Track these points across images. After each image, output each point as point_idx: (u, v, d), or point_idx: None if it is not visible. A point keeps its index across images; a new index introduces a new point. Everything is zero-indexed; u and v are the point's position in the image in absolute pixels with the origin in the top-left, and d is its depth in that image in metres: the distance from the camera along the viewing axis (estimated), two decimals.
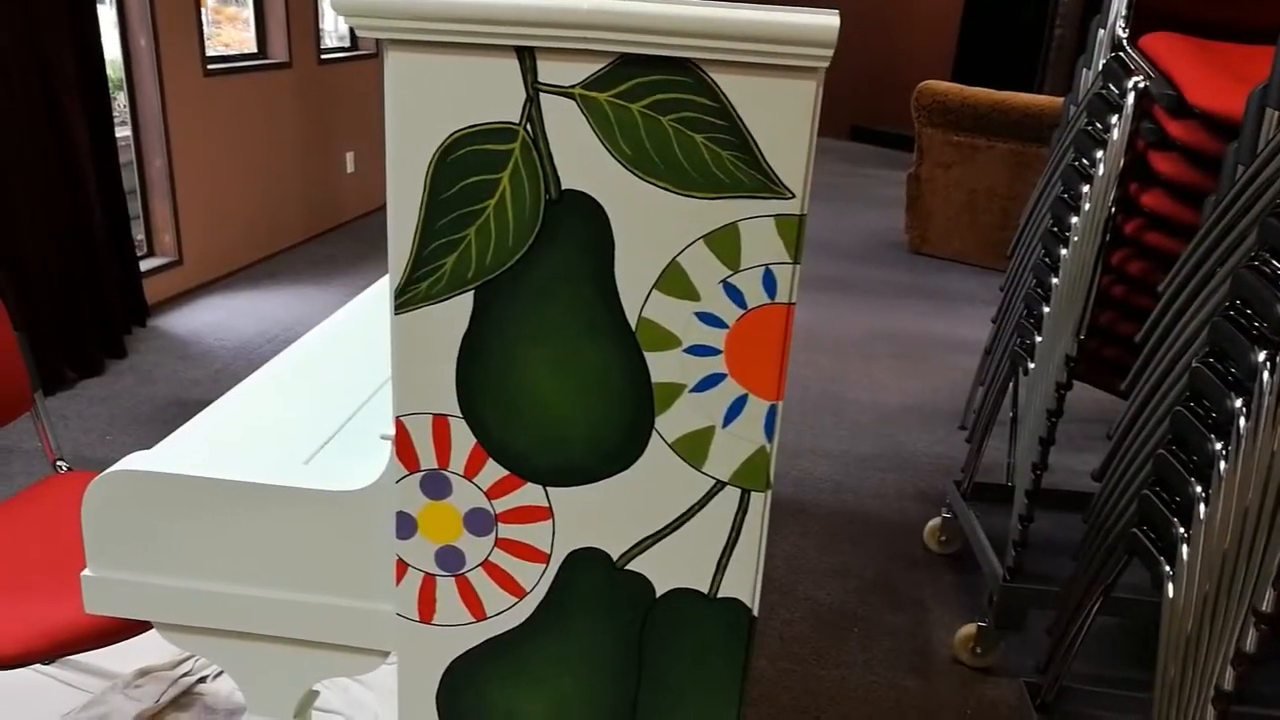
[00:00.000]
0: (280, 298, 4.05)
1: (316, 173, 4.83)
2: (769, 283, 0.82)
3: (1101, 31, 1.97)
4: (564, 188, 0.81)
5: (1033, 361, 2.06)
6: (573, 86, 0.78)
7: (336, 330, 1.34)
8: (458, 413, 0.88)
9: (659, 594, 0.92)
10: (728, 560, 0.90)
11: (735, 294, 0.83)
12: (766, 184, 0.80)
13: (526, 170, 0.81)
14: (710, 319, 0.84)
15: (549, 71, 0.78)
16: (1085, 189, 1.88)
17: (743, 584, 0.91)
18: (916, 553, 2.56)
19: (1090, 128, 1.89)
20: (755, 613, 0.92)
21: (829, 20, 0.74)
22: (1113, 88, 1.83)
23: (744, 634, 0.92)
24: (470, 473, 0.90)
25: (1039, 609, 2.09)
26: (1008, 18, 7.54)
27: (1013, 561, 2.05)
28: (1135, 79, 1.74)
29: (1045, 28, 6.86)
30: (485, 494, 0.90)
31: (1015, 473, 2.15)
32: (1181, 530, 1.32)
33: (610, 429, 0.87)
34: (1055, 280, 1.97)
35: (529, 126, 0.80)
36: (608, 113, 0.79)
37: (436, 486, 0.90)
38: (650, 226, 0.81)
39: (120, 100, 3.76)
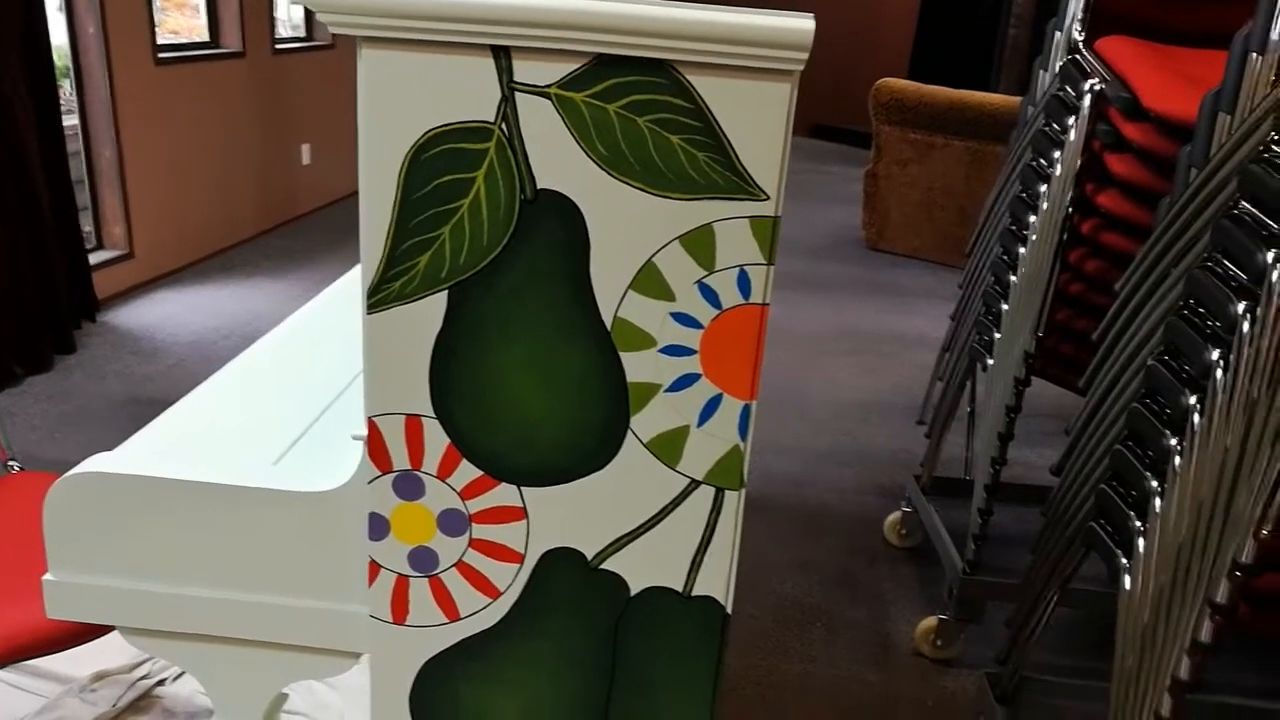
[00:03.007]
0: (236, 292, 3.99)
1: (272, 165, 4.76)
2: (743, 283, 0.83)
3: (1058, 34, 2.00)
4: (539, 187, 0.81)
5: (991, 358, 2.09)
6: (549, 86, 0.78)
7: (302, 327, 1.32)
8: (431, 413, 0.87)
9: (634, 593, 0.93)
10: (702, 559, 0.91)
11: (710, 294, 0.83)
12: (741, 185, 0.80)
13: (501, 170, 0.80)
14: (685, 319, 0.84)
15: (525, 71, 0.78)
16: (1043, 188, 1.91)
17: (716, 582, 0.92)
18: (877, 547, 2.59)
19: (1048, 128, 1.93)
20: (729, 610, 0.93)
21: (805, 24, 0.74)
22: (1069, 90, 1.86)
23: (718, 632, 0.93)
24: (444, 473, 0.89)
25: (998, 601, 2.13)
26: (963, 17, 7.64)
27: (972, 555, 2.08)
28: (1091, 81, 1.77)
29: (999, 27, 6.96)
30: (459, 494, 0.90)
31: (974, 467, 2.18)
32: (1138, 524, 1.36)
33: (585, 429, 0.87)
34: (1014, 278, 2.00)
35: (504, 126, 0.79)
36: (584, 113, 0.79)
37: (409, 487, 0.90)
38: (626, 227, 0.81)
39: (67, 88, 3.67)
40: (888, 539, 2.60)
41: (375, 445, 0.88)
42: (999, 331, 2.06)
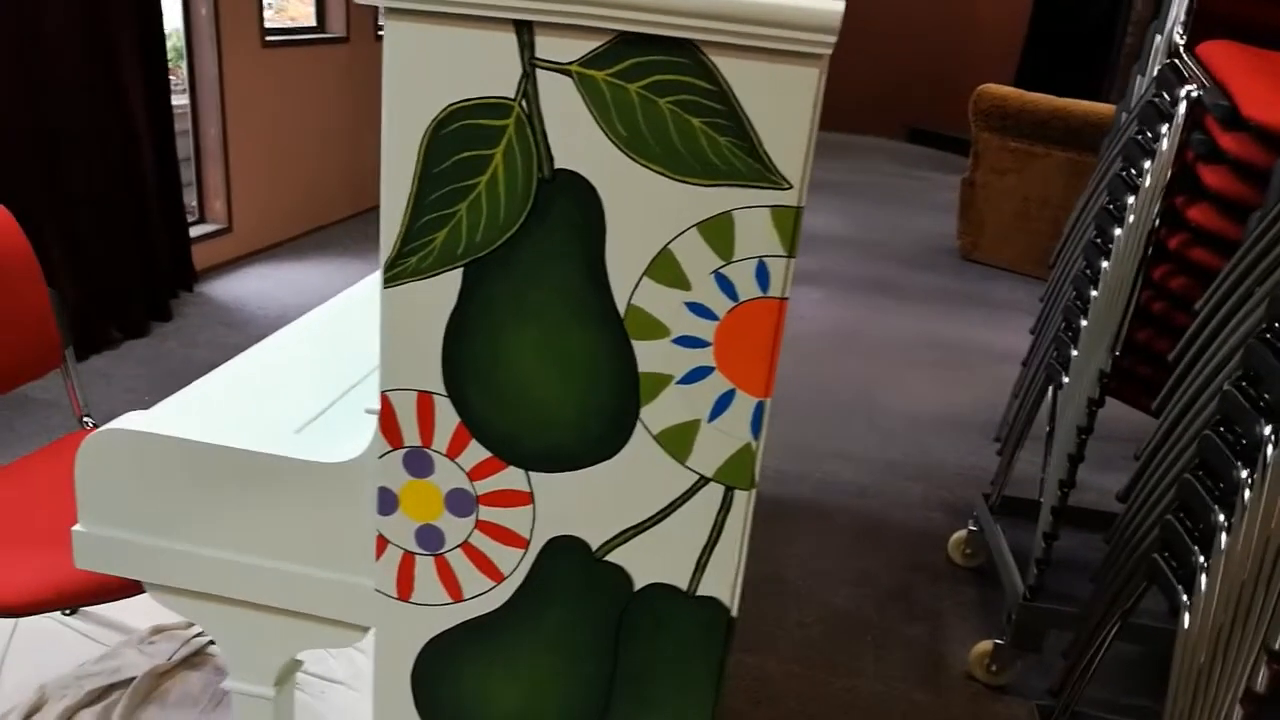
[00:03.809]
0: (324, 270, 4.10)
1: (367, 149, 4.87)
2: (761, 275, 0.80)
3: (1159, 37, 1.90)
4: (557, 167, 0.79)
5: (1067, 376, 2.00)
6: (570, 63, 0.77)
7: (348, 303, 1.34)
8: (442, 391, 0.87)
9: (637, 587, 0.91)
10: (708, 558, 0.88)
11: (727, 285, 0.81)
12: (763, 173, 0.77)
13: (520, 147, 0.79)
14: (700, 310, 0.82)
15: (546, 47, 0.76)
16: (1130, 200, 1.82)
17: (722, 583, 0.89)
18: (939, 564, 2.51)
19: (1140, 137, 1.83)
20: (734, 613, 0.90)
21: (833, 5, 0.71)
22: (1165, 96, 1.76)
23: (721, 634, 0.90)
24: (453, 452, 0.89)
25: (1059, 630, 2.03)
26: (1077, 22, 7.35)
27: (1034, 580, 1.99)
28: (1188, 87, 1.67)
29: (1115, 34, 6.68)
30: (467, 475, 0.89)
31: (1043, 489, 2.09)
32: (1201, 559, 1.27)
33: (594, 416, 0.86)
34: (1094, 293, 1.91)
35: (524, 102, 0.78)
36: (604, 92, 0.77)
37: (419, 464, 0.90)
38: (643, 211, 0.79)
39: (182, 70, 3.82)
40: (951, 557, 2.52)
41: (387, 420, 0.89)
42: (1076, 349, 1.97)
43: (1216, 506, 1.26)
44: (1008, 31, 8.02)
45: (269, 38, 3.98)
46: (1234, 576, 1.18)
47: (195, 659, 1.93)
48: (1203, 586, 1.25)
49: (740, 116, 0.76)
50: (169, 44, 3.44)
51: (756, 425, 0.84)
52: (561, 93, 0.77)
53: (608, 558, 0.90)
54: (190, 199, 3.85)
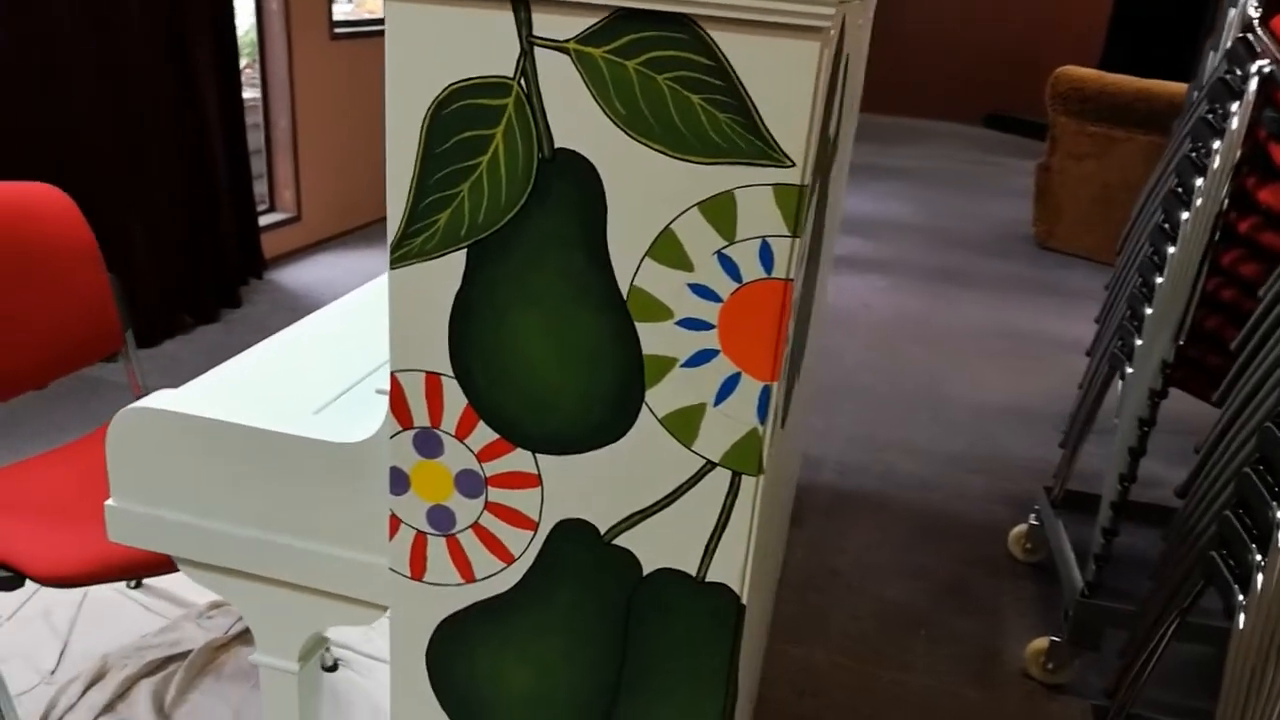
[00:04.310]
0: None
1: None
2: (765, 256, 0.78)
3: (1233, 11, 1.81)
4: (557, 146, 0.79)
5: (1131, 366, 1.93)
6: (567, 40, 0.76)
7: (380, 288, 1.36)
8: (450, 372, 0.87)
9: (646, 572, 0.90)
10: (716, 544, 0.87)
11: (730, 266, 0.79)
12: (765, 151, 0.75)
13: (520, 126, 0.79)
14: (703, 291, 0.80)
15: (544, 24, 0.76)
16: (1198, 182, 1.73)
17: (731, 570, 0.87)
18: (999, 559, 2.44)
19: (1210, 115, 1.74)
20: (744, 600, 0.88)
21: None
22: (1237, 72, 1.67)
23: (731, 621, 0.89)
24: (461, 433, 0.89)
25: (1118, 628, 1.96)
26: (1164, 2, 7.06)
27: (1093, 576, 1.93)
28: (1260, 62, 1.59)
29: (1208, 13, 6.38)
30: (476, 456, 0.89)
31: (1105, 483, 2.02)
32: (1258, 557, 1.21)
33: (599, 399, 0.85)
34: (1160, 280, 1.83)
35: (523, 81, 0.77)
36: (602, 69, 0.76)
37: (429, 445, 0.90)
38: (644, 190, 0.78)
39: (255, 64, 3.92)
40: (1011, 552, 2.45)
41: (397, 400, 0.89)
42: (1140, 338, 1.89)
43: (1275, 503, 1.20)
44: (1092, 12, 7.74)
45: (337, 30, 4.05)
46: None
47: (249, 634, 1.99)
48: (1258, 585, 1.19)
49: (740, 93, 0.74)
50: (241, 38, 3.53)
51: (763, 410, 0.82)
52: (560, 71, 0.77)
53: (616, 541, 0.89)
54: (261, 189, 3.96)
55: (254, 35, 3.82)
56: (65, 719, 1.71)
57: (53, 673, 1.81)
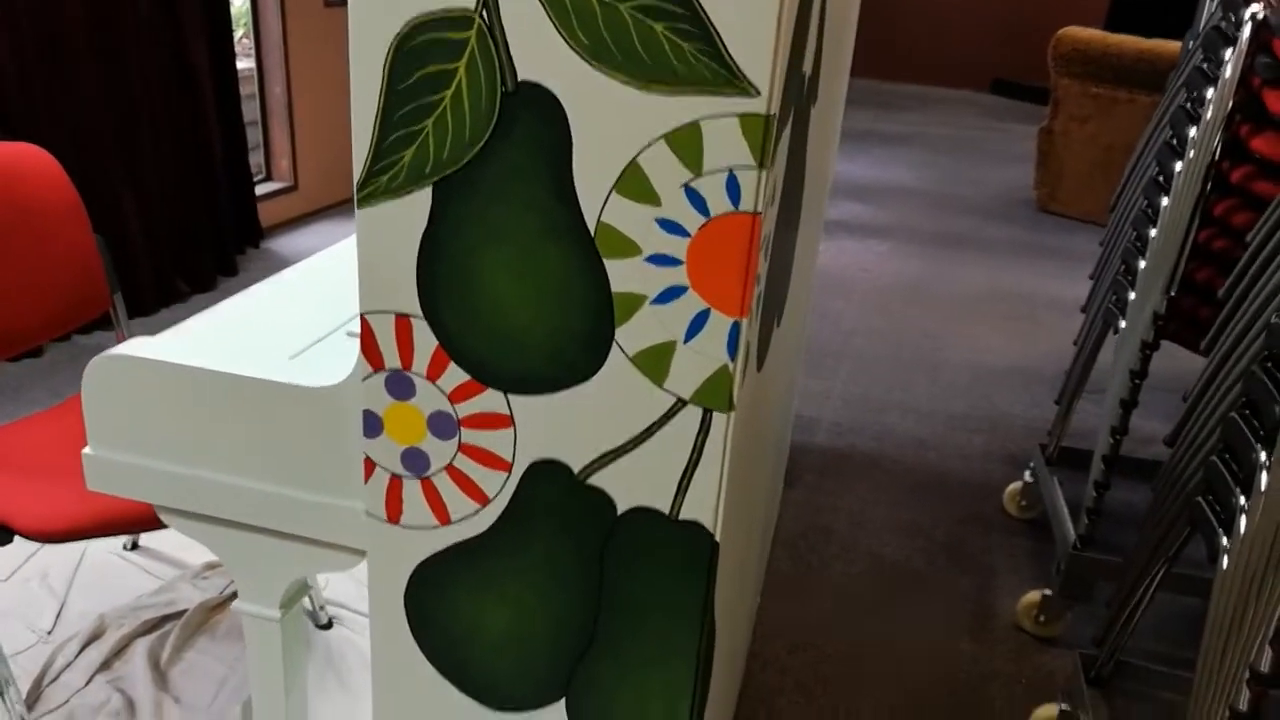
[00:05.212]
0: None
1: None
2: (732, 189, 0.77)
3: None
4: (520, 79, 0.78)
5: (1124, 320, 1.92)
6: None
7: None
8: (419, 313, 0.87)
9: (620, 511, 0.90)
10: (688, 482, 0.87)
11: (697, 199, 0.78)
12: (730, 80, 0.74)
13: (483, 60, 0.78)
14: (671, 226, 0.80)
15: None
16: (1192, 133, 1.71)
17: (704, 507, 0.87)
18: (994, 516, 2.44)
19: (1204, 65, 1.72)
20: (718, 538, 0.88)
21: None
22: (1231, 18, 1.65)
23: (705, 558, 0.89)
24: (433, 375, 0.89)
25: (1109, 581, 1.97)
26: None
27: (1085, 530, 1.93)
28: (1254, 8, 1.56)
29: None
30: (448, 397, 0.89)
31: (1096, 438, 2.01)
32: (1242, 500, 1.21)
33: (569, 338, 0.85)
34: (1153, 232, 1.82)
35: (484, 13, 0.76)
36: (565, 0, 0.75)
37: (400, 387, 0.90)
38: (609, 123, 0.77)
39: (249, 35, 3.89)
40: (1006, 509, 2.45)
41: (368, 343, 0.89)
42: (1134, 292, 1.88)
43: (1260, 446, 1.19)
44: None
45: None
46: (1272, 517, 1.12)
47: None
48: (1242, 528, 1.19)
49: (704, 20, 0.73)
50: (235, 9, 3.50)
51: (733, 346, 0.82)
52: (522, 2, 0.76)
53: (590, 481, 0.89)
54: (258, 159, 3.94)
55: (248, 5, 3.79)
56: (62, 677, 1.72)
57: (49, 633, 1.83)
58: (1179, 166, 1.75)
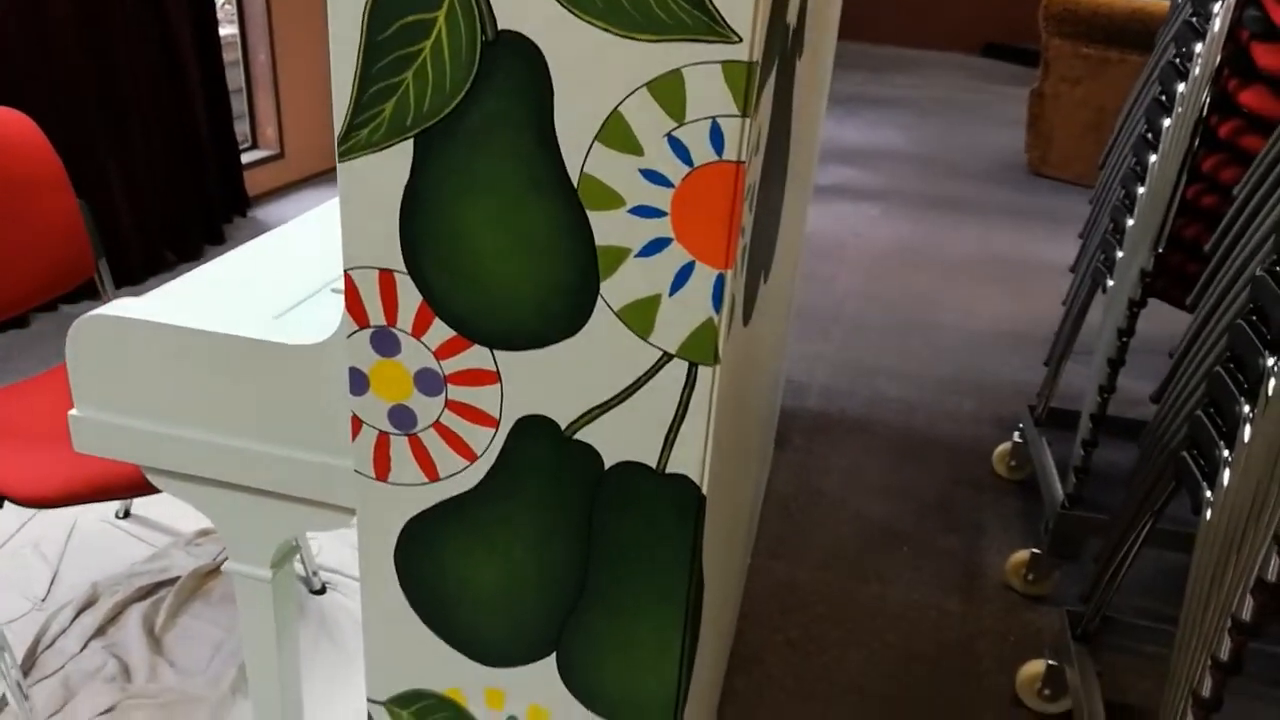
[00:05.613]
0: None
1: None
2: (715, 137, 0.77)
3: None
4: (500, 28, 0.77)
5: (1112, 278, 1.92)
6: None
7: None
8: (402, 268, 0.86)
9: (607, 466, 0.90)
10: (675, 435, 0.87)
11: (680, 149, 0.78)
12: (711, 26, 0.74)
13: (462, 9, 0.77)
14: (655, 177, 0.79)
15: None
16: (1180, 88, 1.71)
17: (691, 461, 0.88)
18: (984, 478, 2.46)
19: (1194, 19, 1.71)
20: (704, 491, 0.89)
21: None
22: None
23: (693, 512, 0.89)
24: (418, 331, 0.89)
25: (1098, 539, 1.98)
26: None
27: (1073, 489, 1.94)
28: None
29: None
30: (434, 354, 0.89)
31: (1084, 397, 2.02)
32: (1226, 453, 1.22)
33: (554, 292, 0.84)
34: (1141, 190, 1.82)
35: None
36: None
37: (386, 344, 0.90)
38: (590, 71, 0.77)
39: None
40: (996, 470, 2.47)
41: (352, 299, 0.88)
42: (1122, 250, 1.88)
43: (1244, 399, 1.20)
44: None
45: None
46: (1254, 469, 1.13)
47: None
48: (1225, 481, 1.20)
49: None
50: None
51: (718, 299, 0.82)
52: None
53: (577, 436, 0.90)
54: (244, 128, 3.90)
55: None
56: (57, 643, 1.73)
57: (43, 600, 1.84)
58: (1167, 123, 1.75)
